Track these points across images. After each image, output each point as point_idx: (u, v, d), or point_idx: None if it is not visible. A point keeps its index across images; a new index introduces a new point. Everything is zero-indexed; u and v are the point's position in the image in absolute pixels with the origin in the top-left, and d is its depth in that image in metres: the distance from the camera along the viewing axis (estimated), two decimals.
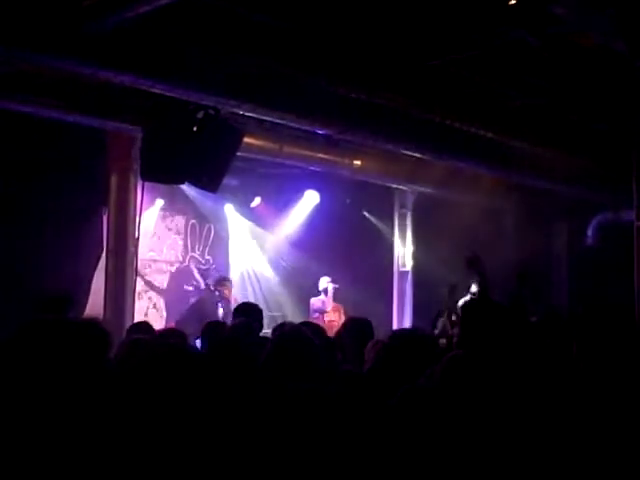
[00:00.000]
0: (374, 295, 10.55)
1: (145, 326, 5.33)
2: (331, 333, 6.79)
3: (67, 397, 2.78)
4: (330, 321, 9.39)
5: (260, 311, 6.01)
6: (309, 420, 2.84)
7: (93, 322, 3.22)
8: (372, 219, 11.70)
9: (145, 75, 5.94)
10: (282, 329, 3.95)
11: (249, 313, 5.83)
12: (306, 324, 5.47)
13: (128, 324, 7.83)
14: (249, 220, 11.54)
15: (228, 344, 4.65)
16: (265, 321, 6.46)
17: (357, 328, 4.93)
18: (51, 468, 2.61)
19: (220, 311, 9.51)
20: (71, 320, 3.52)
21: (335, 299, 10.02)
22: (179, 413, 2.99)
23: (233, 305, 9.26)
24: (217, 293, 9.77)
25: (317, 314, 9.76)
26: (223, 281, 9.94)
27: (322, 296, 10.00)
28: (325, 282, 10.08)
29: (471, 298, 7.27)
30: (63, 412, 2.73)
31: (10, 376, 2.79)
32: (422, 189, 10.62)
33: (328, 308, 9.89)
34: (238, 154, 7.47)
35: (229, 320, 9.10)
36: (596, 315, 3.17)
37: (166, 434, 2.87)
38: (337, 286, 10.05)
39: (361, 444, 2.84)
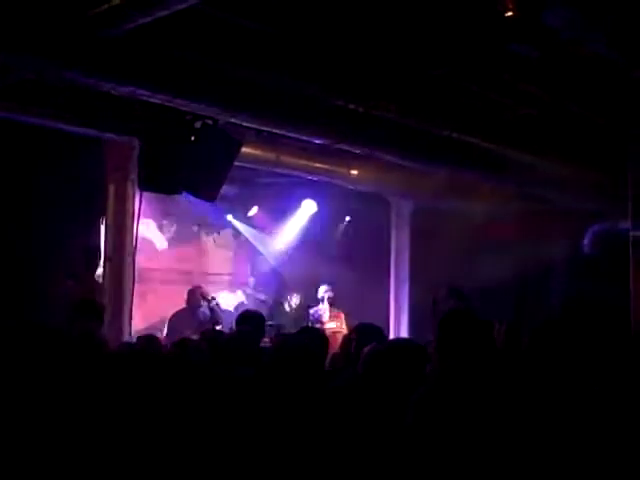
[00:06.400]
0: (371, 304, 10.54)
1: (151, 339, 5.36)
2: (334, 341, 6.76)
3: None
4: (331, 330, 9.12)
5: (262, 319, 6.00)
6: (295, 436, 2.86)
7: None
8: (369, 228, 11.70)
9: (144, 86, 5.95)
10: (280, 340, 3.96)
11: (251, 321, 5.82)
12: (305, 331, 5.48)
13: (126, 333, 7.83)
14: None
15: (230, 352, 4.66)
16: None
17: (366, 334, 4.92)
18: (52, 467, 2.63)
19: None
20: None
21: (334, 306, 9.87)
22: (180, 420, 3.00)
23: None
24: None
25: (317, 324, 9.60)
26: None
27: (320, 305, 9.88)
28: (322, 291, 9.94)
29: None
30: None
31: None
32: (419, 199, 10.63)
33: (325, 318, 9.73)
34: (235, 164, 7.48)
35: None
36: (594, 322, 3.19)
37: (168, 439, 2.88)
38: (331, 294, 9.84)
39: (355, 453, 2.85)
